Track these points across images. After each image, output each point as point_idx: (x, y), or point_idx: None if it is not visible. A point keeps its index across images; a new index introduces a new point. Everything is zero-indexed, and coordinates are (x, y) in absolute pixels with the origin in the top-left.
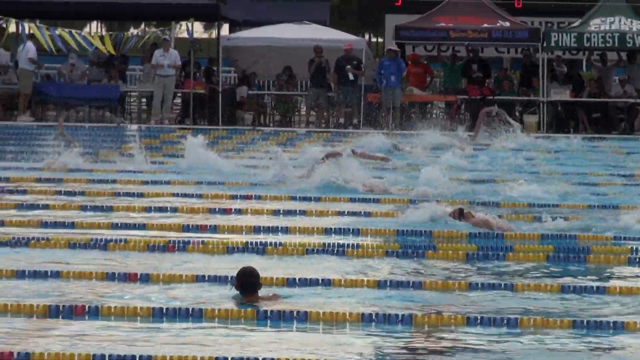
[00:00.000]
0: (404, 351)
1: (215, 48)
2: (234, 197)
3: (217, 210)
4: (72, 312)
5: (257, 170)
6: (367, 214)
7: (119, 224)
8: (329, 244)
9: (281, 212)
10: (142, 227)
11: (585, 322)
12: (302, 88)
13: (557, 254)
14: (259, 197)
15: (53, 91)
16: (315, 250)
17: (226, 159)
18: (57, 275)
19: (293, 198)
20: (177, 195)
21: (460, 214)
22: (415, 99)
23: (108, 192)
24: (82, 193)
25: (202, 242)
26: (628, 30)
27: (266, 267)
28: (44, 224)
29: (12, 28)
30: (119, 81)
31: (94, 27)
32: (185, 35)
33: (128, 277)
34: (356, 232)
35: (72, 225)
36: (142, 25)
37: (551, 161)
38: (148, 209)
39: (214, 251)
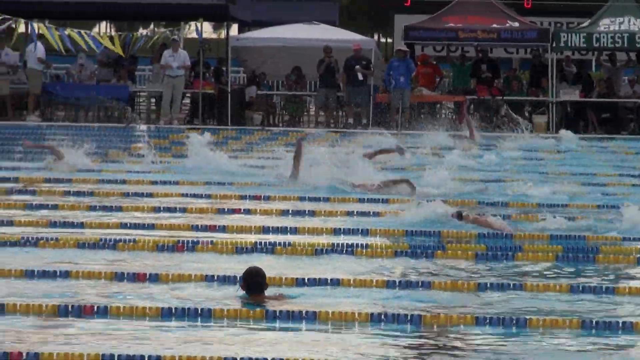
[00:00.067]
0: (413, 351)
1: (225, 48)
2: (243, 197)
3: (226, 210)
4: (81, 311)
5: (263, 170)
6: (376, 214)
7: (128, 224)
8: (338, 244)
9: (290, 212)
10: (151, 227)
11: (594, 323)
12: (311, 88)
13: (566, 254)
14: (268, 197)
15: (62, 91)
16: (324, 251)
17: (228, 159)
18: (66, 275)
19: (302, 198)
20: (186, 195)
21: (459, 217)
22: (424, 99)
23: (117, 192)
24: (92, 193)
25: (211, 242)
26: (637, 31)
27: (275, 267)
28: (53, 224)
29: (21, 28)
30: (128, 81)
31: (103, 28)
32: (194, 35)
33: (137, 277)
34: (365, 232)
35: (82, 225)
36: (151, 26)
37: (560, 161)
38: (157, 209)
39: (223, 251)
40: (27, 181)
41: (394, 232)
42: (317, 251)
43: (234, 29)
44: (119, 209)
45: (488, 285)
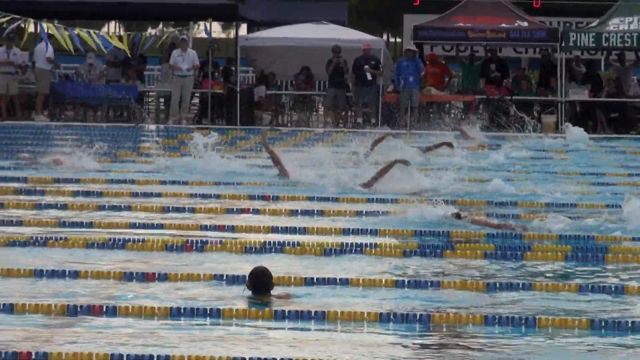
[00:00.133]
0: (422, 351)
1: (234, 48)
2: (251, 197)
3: (234, 210)
4: (90, 311)
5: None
6: (385, 214)
7: (137, 224)
8: (347, 243)
9: (299, 212)
10: (160, 226)
11: (603, 322)
12: (320, 88)
13: (575, 253)
14: (277, 197)
15: (71, 91)
16: (333, 250)
17: (229, 159)
18: (75, 274)
19: (311, 198)
20: (195, 195)
21: (457, 217)
22: (433, 99)
23: (126, 192)
24: (100, 193)
25: (220, 241)
26: None
27: (284, 267)
28: (62, 224)
29: (30, 28)
30: (137, 81)
31: (112, 27)
32: (203, 35)
33: (146, 277)
34: (374, 232)
35: (91, 225)
36: (160, 25)
37: (568, 160)
38: (166, 209)
39: (232, 251)
40: (36, 181)
41: (403, 232)
42: (326, 251)
43: (243, 29)
44: (128, 208)
45: (497, 285)
